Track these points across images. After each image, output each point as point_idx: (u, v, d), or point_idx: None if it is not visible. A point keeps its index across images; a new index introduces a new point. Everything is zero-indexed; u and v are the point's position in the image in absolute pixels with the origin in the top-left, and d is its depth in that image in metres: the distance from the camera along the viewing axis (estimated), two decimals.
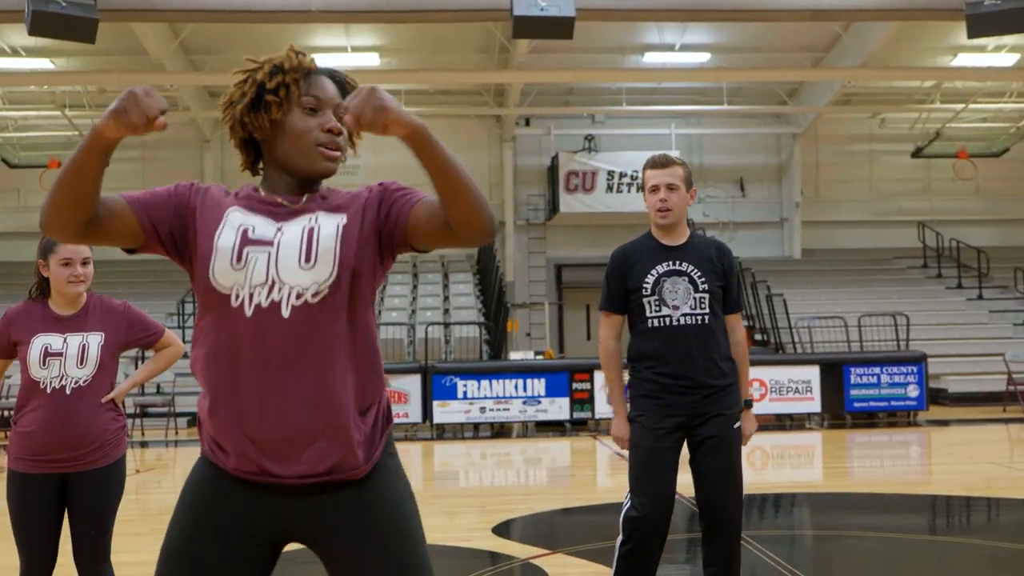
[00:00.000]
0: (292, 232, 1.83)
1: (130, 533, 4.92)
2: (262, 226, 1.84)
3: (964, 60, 17.38)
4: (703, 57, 17.95)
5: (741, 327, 3.81)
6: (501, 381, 12.61)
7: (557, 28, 11.07)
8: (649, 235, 3.69)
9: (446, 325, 16.84)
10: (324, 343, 1.79)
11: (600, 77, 17.94)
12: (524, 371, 12.72)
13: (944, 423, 13.03)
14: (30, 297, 3.44)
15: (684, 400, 3.55)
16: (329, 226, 1.85)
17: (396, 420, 12.60)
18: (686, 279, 3.57)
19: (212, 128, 19.84)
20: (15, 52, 16.29)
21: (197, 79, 17.39)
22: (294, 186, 1.94)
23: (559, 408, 12.61)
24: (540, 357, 13.91)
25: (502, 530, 6.25)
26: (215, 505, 1.85)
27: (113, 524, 3.43)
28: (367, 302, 1.87)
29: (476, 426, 12.90)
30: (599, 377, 12.56)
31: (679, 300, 3.56)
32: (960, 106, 18.83)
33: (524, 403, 12.59)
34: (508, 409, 12.59)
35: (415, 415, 12.66)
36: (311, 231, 1.83)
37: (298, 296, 1.78)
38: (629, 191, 19.43)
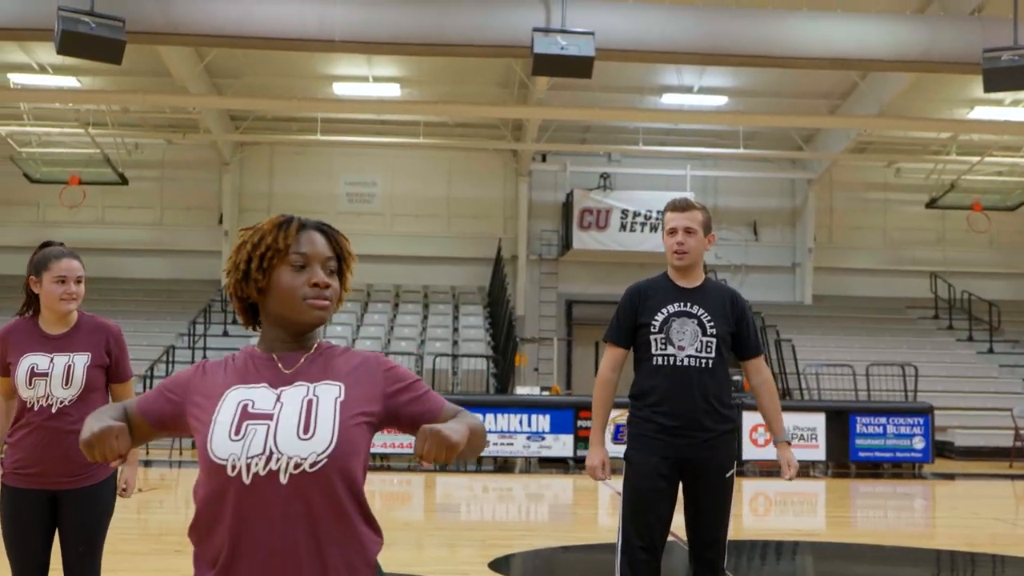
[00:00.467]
0: (292, 404, 1.91)
1: (128, 552, 4.94)
2: (261, 399, 1.92)
3: (981, 113, 17.46)
4: (721, 100, 18.09)
5: (765, 368, 3.85)
6: (506, 415, 12.61)
7: (576, 67, 11.19)
8: (665, 275, 3.75)
9: (454, 357, 16.87)
10: (321, 507, 1.87)
11: (617, 116, 18.08)
12: (529, 406, 12.72)
13: (950, 476, 12.95)
14: (20, 315, 3.45)
15: (681, 443, 3.58)
16: (327, 398, 1.93)
17: (399, 450, 12.63)
18: (695, 321, 3.61)
19: (232, 151, 20.03)
20: (42, 69, 16.54)
21: (219, 102, 17.60)
22: (289, 340, 2.01)
23: (563, 445, 12.59)
24: (546, 393, 13.91)
25: (499, 565, 6.24)
26: None
27: (103, 543, 3.43)
28: (362, 467, 1.95)
29: (479, 460, 12.89)
30: None
31: (686, 341, 3.60)
32: (976, 158, 18.88)
33: (528, 438, 12.58)
34: (512, 444, 12.58)
35: None
36: (310, 403, 1.92)
37: (296, 466, 1.85)
38: (643, 230, 19.50)
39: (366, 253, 20.22)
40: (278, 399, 1.92)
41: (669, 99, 17.97)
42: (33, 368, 3.32)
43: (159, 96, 16.42)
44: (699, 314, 3.62)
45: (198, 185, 20.24)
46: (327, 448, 1.86)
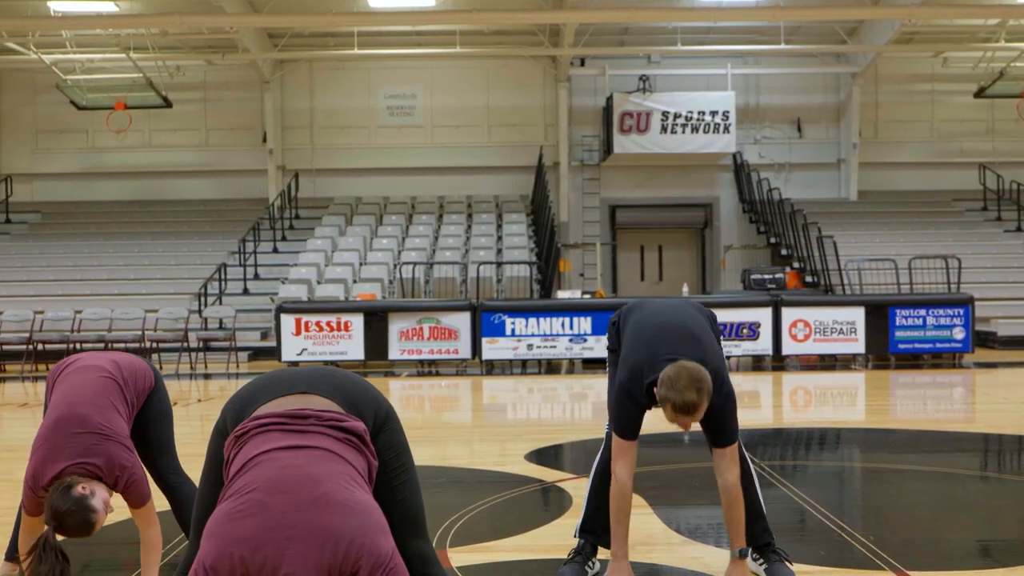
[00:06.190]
0: None
1: (191, 455, 5.31)
2: None
3: None
4: None
5: (735, 466, 3.58)
6: (548, 319, 12.92)
7: None
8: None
9: (498, 265, 17.15)
10: None
11: (655, 17, 17.85)
12: (570, 310, 12.99)
13: (992, 365, 13.03)
14: None
15: None
16: None
17: (447, 356, 13.02)
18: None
19: (272, 70, 20.19)
20: None
21: (256, 21, 17.70)
22: None
23: (604, 346, 12.84)
24: (587, 296, 14.16)
25: (536, 457, 6.57)
26: None
27: (172, 441, 3.76)
28: None
29: (524, 363, 13.24)
30: None
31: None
32: None
33: (570, 341, 12.89)
34: (555, 346, 12.92)
35: (465, 351, 13.03)
36: None
37: None
38: (683, 132, 19.43)
39: (409, 166, 20.54)
40: None
41: None
42: None
43: (196, 17, 16.58)
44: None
45: (240, 105, 20.50)
46: None
